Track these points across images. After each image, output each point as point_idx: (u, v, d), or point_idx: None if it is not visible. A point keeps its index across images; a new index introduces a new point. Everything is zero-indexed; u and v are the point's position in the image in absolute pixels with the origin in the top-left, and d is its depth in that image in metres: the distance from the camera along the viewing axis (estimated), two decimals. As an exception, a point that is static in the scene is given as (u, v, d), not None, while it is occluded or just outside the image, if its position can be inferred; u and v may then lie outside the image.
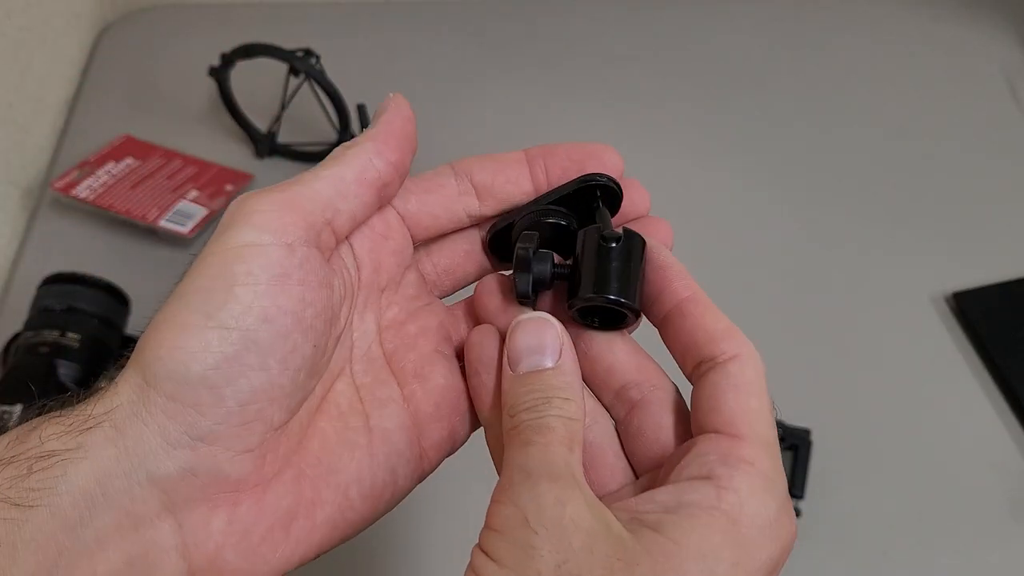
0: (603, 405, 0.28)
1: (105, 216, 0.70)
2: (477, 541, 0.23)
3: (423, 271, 0.31)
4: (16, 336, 0.57)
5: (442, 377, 0.29)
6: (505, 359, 0.26)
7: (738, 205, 0.74)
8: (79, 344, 0.56)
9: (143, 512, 0.22)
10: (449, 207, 0.29)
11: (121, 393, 0.23)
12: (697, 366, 0.26)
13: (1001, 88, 0.83)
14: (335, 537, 0.26)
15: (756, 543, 0.22)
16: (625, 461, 0.27)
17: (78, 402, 0.23)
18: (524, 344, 0.26)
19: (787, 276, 0.70)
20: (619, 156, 0.29)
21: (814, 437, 0.58)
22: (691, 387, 0.26)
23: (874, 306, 0.68)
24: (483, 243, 0.31)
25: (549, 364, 0.25)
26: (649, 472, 0.27)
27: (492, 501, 0.23)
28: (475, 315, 0.29)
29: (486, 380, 0.27)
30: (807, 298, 0.68)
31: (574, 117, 0.80)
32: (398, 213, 0.29)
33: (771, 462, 0.23)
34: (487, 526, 0.23)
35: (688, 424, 0.26)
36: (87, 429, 0.22)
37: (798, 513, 0.55)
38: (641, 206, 0.30)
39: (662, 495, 0.23)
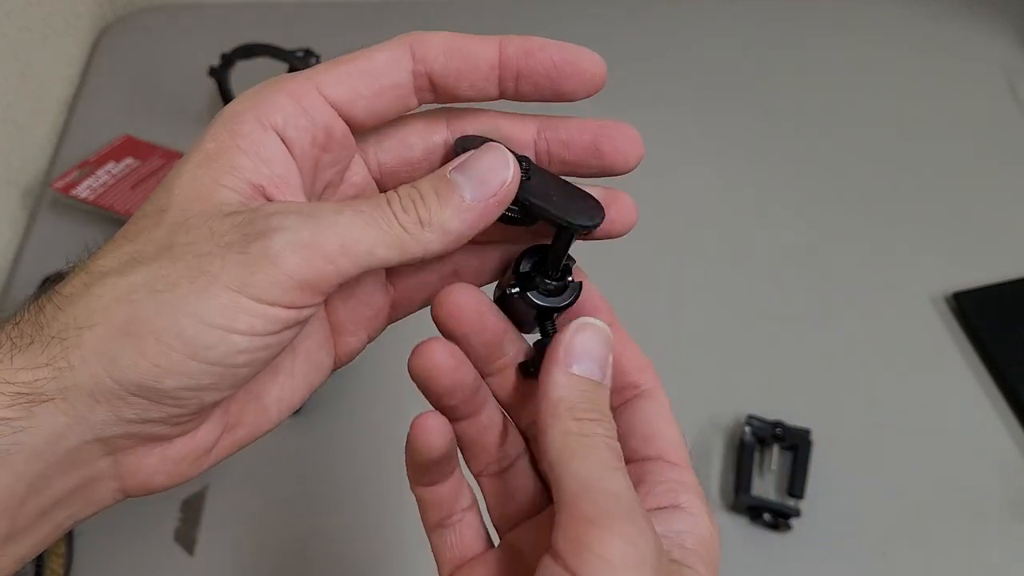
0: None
1: (105, 216, 0.70)
2: (566, 561, 0.22)
3: (367, 164, 0.29)
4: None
5: (365, 292, 0.30)
6: (560, 352, 0.25)
7: (738, 205, 0.74)
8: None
9: (87, 458, 0.24)
10: (402, 107, 0.27)
11: (78, 371, 0.22)
12: (619, 391, 0.28)
13: (1001, 88, 0.83)
14: (249, 442, 0.28)
15: (716, 557, 0.26)
16: (541, 482, 0.30)
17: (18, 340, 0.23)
18: (584, 347, 0.26)
19: (787, 276, 0.70)
20: (601, 65, 0.27)
21: (814, 437, 0.58)
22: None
23: (874, 306, 0.68)
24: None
25: (601, 378, 0.26)
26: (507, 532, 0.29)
27: (596, 525, 0.22)
28: None
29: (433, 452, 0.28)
30: (807, 298, 0.68)
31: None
32: (344, 120, 0.26)
33: (700, 486, 0.27)
34: (595, 552, 0.21)
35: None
36: (41, 402, 0.22)
37: (798, 513, 0.55)
38: (625, 223, 0.29)
39: (660, 529, 0.25)
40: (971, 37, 0.88)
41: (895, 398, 0.62)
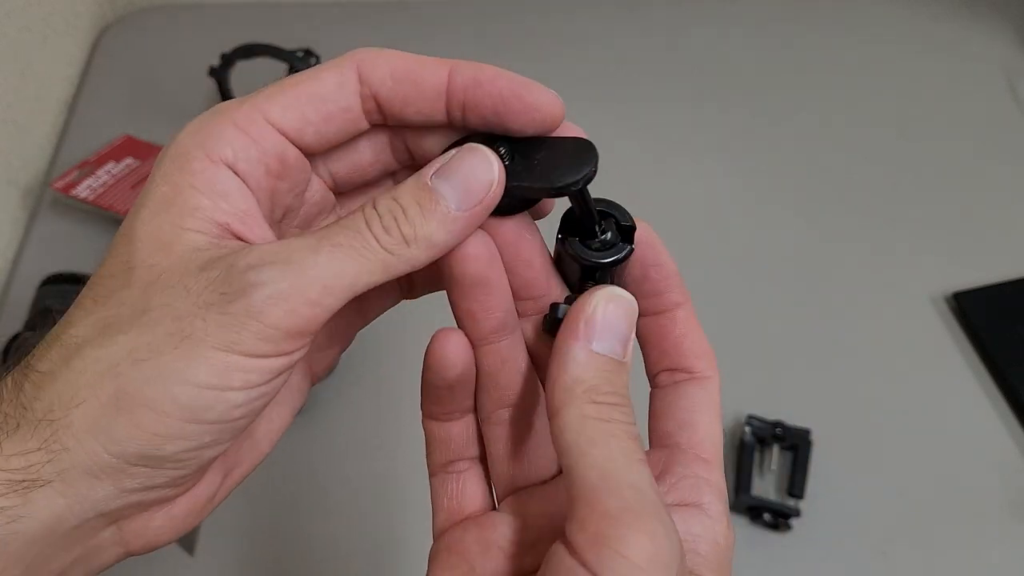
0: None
1: (105, 216, 0.70)
2: (583, 557, 0.20)
3: (319, 176, 0.28)
4: (16, 336, 0.57)
5: (340, 311, 0.29)
6: (581, 325, 0.23)
7: (738, 205, 0.74)
8: (79, 344, 0.56)
9: (89, 533, 0.23)
10: (352, 130, 0.26)
11: (74, 452, 0.22)
12: (672, 372, 0.27)
13: (1001, 88, 0.83)
14: (245, 477, 0.28)
15: (727, 566, 0.25)
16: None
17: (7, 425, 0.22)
18: (608, 321, 0.23)
19: (787, 276, 0.70)
20: (558, 104, 0.26)
21: (814, 437, 0.58)
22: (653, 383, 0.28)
23: (874, 306, 0.68)
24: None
25: (623, 357, 0.24)
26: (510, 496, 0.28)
27: (618, 522, 0.20)
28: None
29: (446, 379, 0.27)
30: (807, 298, 0.68)
31: (574, 117, 0.80)
32: (295, 146, 0.25)
33: (725, 486, 0.26)
34: (619, 551, 0.20)
35: None
36: (38, 487, 0.21)
37: (798, 513, 0.55)
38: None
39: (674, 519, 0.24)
40: (971, 37, 0.88)
41: (895, 398, 0.62)
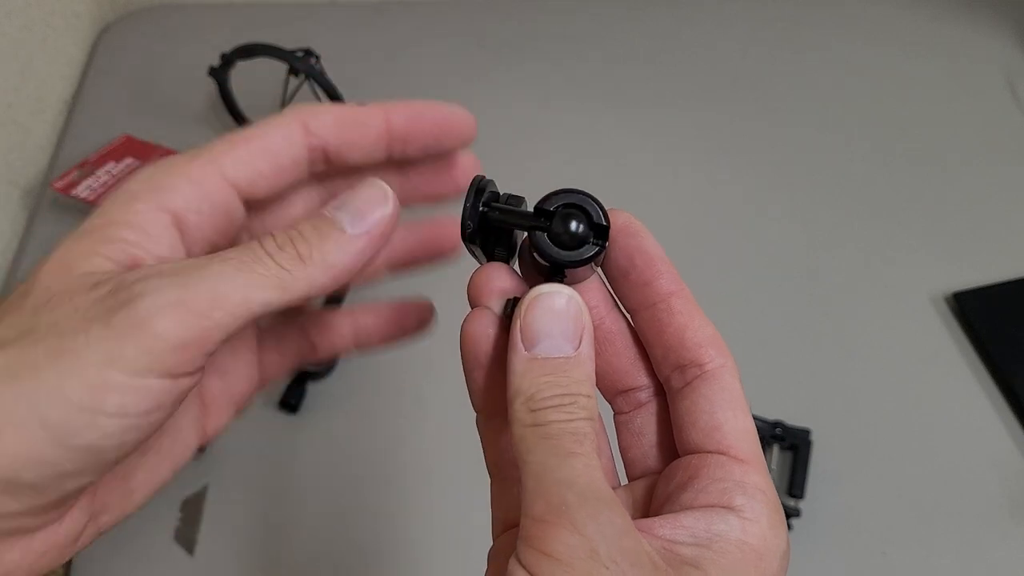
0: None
1: (105, 216, 0.70)
2: (524, 562, 0.20)
3: (251, 232, 0.29)
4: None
5: (239, 364, 0.29)
6: (518, 335, 0.23)
7: (737, 205, 0.74)
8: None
9: None
10: (295, 180, 0.28)
11: None
12: (680, 369, 0.25)
13: (1001, 88, 0.83)
14: (112, 527, 0.27)
15: (763, 569, 0.23)
16: (610, 462, 0.27)
17: None
18: (543, 323, 0.23)
19: (787, 276, 0.70)
20: (472, 121, 0.30)
21: (814, 437, 0.58)
22: (671, 387, 0.26)
23: (874, 306, 0.68)
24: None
25: (571, 351, 0.23)
26: (637, 479, 0.26)
27: (542, 520, 0.21)
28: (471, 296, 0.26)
29: (479, 376, 0.25)
30: (807, 298, 0.68)
31: (574, 117, 0.80)
32: (241, 198, 0.26)
33: (773, 488, 0.24)
34: (542, 551, 0.20)
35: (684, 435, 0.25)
36: None
37: (798, 513, 0.55)
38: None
39: (688, 521, 0.23)
40: (971, 37, 0.88)
41: (895, 398, 0.62)
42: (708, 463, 0.24)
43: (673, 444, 0.26)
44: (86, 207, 0.70)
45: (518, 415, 0.22)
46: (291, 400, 0.60)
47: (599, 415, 0.25)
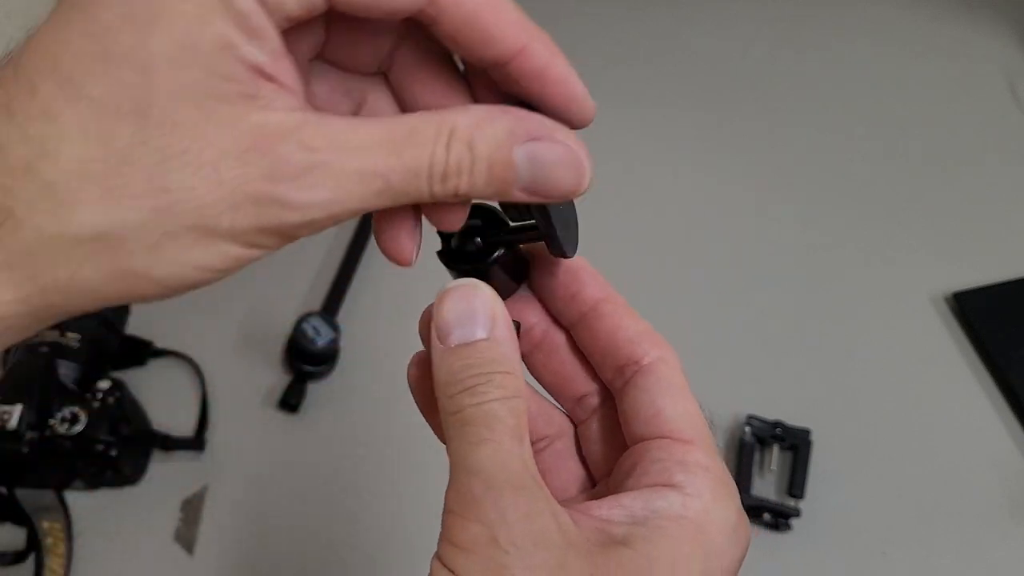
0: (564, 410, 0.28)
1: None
2: (437, 554, 0.21)
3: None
4: (16, 336, 0.57)
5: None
6: (434, 332, 0.23)
7: (738, 205, 0.74)
8: (79, 344, 0.56)
9: None
10: (390, 17, 0.21)
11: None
12: (620, 369, 0.25)
13: (1001, 88, 0.83)
14: None
15: (722, 549, 0.23)
16: (583, 467, 0.28)
17: None
18: (454, 313, 0.23)
19: (787, 276, 0.70)
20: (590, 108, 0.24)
21: (814, 437, 0.58)
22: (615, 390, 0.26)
23: (874, 306, 0.68)
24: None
25: (482, 335, 0.23)
26: (604, 479, 0.27)
27: (451, 512, 0.21)
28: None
29: (433, 415, 0.25)
30: (807, 298, 0.68)
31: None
32: None
33: (721, 465, 0.24)
34: (450, 541, 0.21)
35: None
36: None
37: (798, 513, 0.55)
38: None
39: (627, 500, 0.23)
40: (971, 37, 0.88)
41: (895, 398, 0.62)
42: (650, 448, 0.24)
43: (626, 443, 0.26)
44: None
45: (441, 405, 0.23)
46: (291, 400, 0.60)
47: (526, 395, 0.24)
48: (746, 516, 0.24)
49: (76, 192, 0.19)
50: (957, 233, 0.72)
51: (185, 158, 0.19)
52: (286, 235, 0.21)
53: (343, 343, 0.62)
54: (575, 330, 0.27)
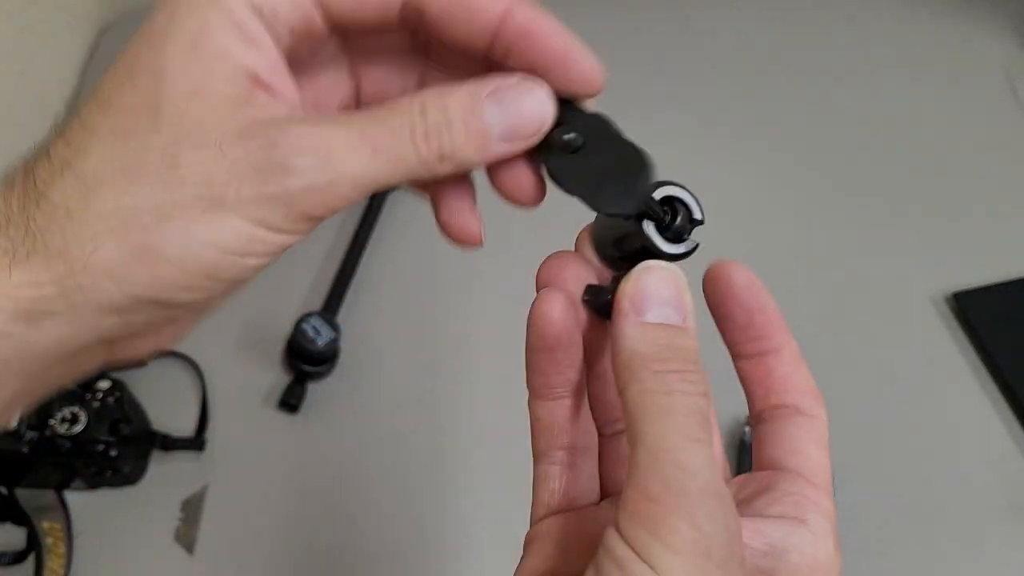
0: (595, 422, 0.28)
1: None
2: (627, 540, 0.20)
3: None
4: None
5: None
6: (627, 302, 0.23)
7: (737, 204, 0.74)
8: (79, 344, 0.56)
9: (86, 354, 0.24)
10: (382, 18, 0.25)
11: (88, 290, 0.22)
12: (777, 407, 0.27)
13: (1001, 88, 0.83)
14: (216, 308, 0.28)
15: None
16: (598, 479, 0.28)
17: None
18: (658, 289, 0.23)
19: (787, 276, 0.69)
20: (600, 74, 0.26)
21: (814, 437, 0.58)
22: (761, 420, 0.27)
23: (874, 306, 0.68)
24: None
25: (681, 322, 0.23)
26: (615, 494, 0.27)
27: (654, 500, 0.20)
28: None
29: (542, 358, 0.26)
30: (807, 298, 0.68)
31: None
32: (323, 11, 0.24)
33: (836, 518, 0.25)
34: (653, 533, 0.20)
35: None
36: (47, 318, 0.22)
37: (798, 513, 0.55)
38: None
39: (765, 527, 0.23)
40: (971, 37, 0.88)
41: (895, 398, 0.62)
42: (785, 477, 0.25)
43: None
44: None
45: (637, 376, 0.22)
46: (291, 400, 0.60)
47: None
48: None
49: (101, 178, 0.22)
50: (957, 233, 0.72)
51: (192, 139, 0.22)
52: (293, 207, 0.22)
53: (343, 343, 0.62)
54: (747, 361, 0.28)
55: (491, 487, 0.57)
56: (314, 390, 0.61)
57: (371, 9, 0.24)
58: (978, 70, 0.85)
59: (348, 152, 0.23)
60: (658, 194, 0.26)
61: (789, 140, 0.79)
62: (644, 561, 0.19)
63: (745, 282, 0.27)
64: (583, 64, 0.25)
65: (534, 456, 0.27)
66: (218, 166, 0.22)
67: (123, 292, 0.22)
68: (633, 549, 0.20)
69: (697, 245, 0.26)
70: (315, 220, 0.23)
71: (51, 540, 0.53)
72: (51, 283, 0.22)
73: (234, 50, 0.23)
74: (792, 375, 0.27)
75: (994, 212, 0.74)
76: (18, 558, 0.53)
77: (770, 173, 0.76)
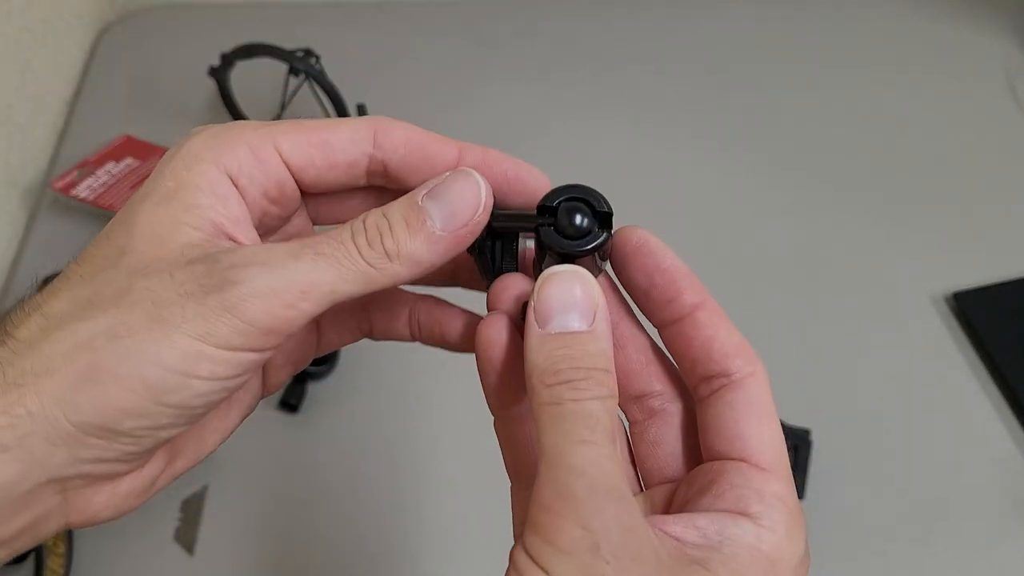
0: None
1: (105, 216, 0.70)
2: (525, 547, 0.21)
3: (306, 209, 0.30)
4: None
5: (305, 335, 0.31)
6: (531, 314, 0.24)
7: (737, 205, 0.74)
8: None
9: (38, 499, 0.24)
10: (351, 183, 0.27)
11: (36, 417, 0.22)
12: (708, 380, 0.25)
13: (1001, 88, 0.83)
14: (185, 471, 0.28)
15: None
16: (633, 469, 0.27)
17: None
18: (558, 298, 0.23)
19: (787, 276, 0.70)
20: (547, 181, 0.28)
21: (814, 437, 0.58)
22: (698, 399, 0.26)
23: (874, 306, 0.68)
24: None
25: (584, 326, 0.23)
26: (657, 485, 0.27)
27: (546, 508, 0.21)
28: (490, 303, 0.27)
29: (494, 379, 0.26)
30: (807, 298, 0.68)
31: (574, 117, 0.80)
32: (294, 180, 0.27)
33: (795, 496, 0.24)
34: (545, 539, 0.20)
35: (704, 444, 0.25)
36: None
37: (798, 513, 0.55)
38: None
39: (702, 522, 0.23)
40: (971, 37, 0.88)
41: (895, 398, 0.62)
42: (728, 469, 0.24)
43: (692, 454, 0.26)
44: (86, 207, 0.70)
45: (535, 391, 0.23)
46: (291, 400, 0.60)
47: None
48: (810, 549, 0.24)
49: (63, 314, 0.23)
50: (957, 233, 0.72)
51: (147, 270, 0.23)
52: (238, 317, 0.23)
53: (343, 343, 0.62)
54: (666, 333, 0.26)
55: (491, 487, 0.57)
56: (314, 390, 0.61)
57: (340, 172, 0.27)
58: (978, 70, 0.85)
59: (289, 259, 0.23)
60: (554, 200, 0.26)
61: (789, 140, 0.79)
62: (540, 567, 0.20)
63: (638, 242, 0.26)
64: (536, 179, 0.27)
65: (509, 476, 0.28)
66: (167, 289, 0.23)
67: (69, 418, 0.22)
68: (531, 558, 0.20)
69: (607, 235, 0.25)
70: (267, 335, 0.23)
71: (51, 540, 0.53)
72: (2, 413, 0.22)
73: (204, 204, 0.24)
74: (713, 338, 0.25)
75: (994, 212, 0.74)
76: (18, 558, 0.53)
77: (770, 173, 0.76)
